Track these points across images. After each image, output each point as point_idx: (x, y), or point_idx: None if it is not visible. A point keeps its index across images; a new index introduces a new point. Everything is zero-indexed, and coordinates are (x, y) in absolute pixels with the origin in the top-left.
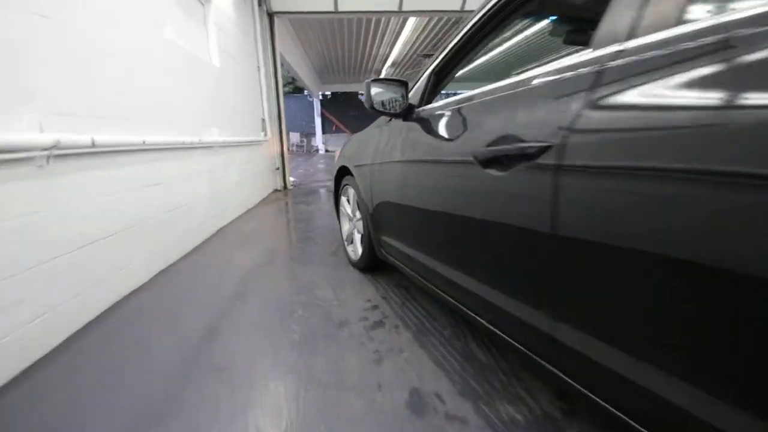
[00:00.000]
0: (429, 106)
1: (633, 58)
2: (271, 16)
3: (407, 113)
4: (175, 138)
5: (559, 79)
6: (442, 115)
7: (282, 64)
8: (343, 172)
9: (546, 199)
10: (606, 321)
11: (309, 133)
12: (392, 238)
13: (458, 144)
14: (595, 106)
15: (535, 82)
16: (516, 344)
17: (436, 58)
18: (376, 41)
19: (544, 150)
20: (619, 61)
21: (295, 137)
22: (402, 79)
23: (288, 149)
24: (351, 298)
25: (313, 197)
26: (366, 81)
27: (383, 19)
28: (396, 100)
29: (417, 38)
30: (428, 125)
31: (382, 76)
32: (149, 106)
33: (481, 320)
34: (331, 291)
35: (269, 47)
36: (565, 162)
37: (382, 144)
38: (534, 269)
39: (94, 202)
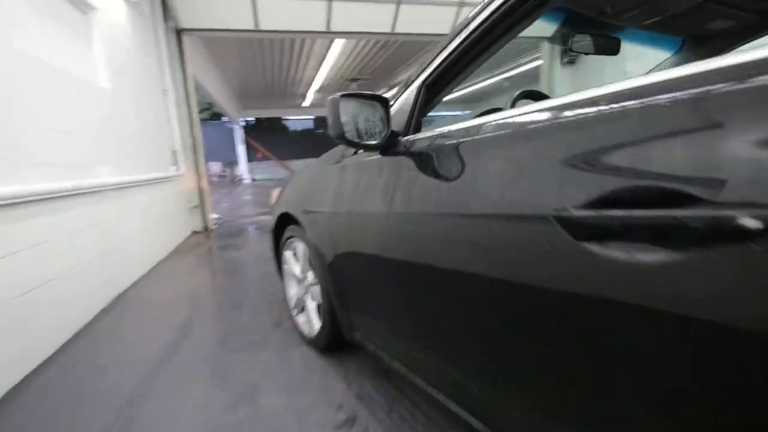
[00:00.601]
0: (424, 134)
1: None
2: (179, 33)
3: (389, 144)
4: (32, 187)
5: None
6: (453, 148)
7: (197, 89)
8: (285, 219)
9: None
10: None
11: (232, 162)
12: (375, 321)
13: (506, 195)
14: None
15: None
16: None
17: (430, 63)
18: (301, 64)
19: None
20: None
21: (216, 167)
22: (380, 95)
23: (208, 181)
24: (314, 405)
25: (242, 238)
26: (331, 98)
27: (308, 40)
28: (374, 126)
29: (344, 62)
30: (429, 162)
31: (308, 101)
32: None
33: None
34: (284, 396)
35: (179, 69)
36: None
37: (348, 185)
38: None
39: None
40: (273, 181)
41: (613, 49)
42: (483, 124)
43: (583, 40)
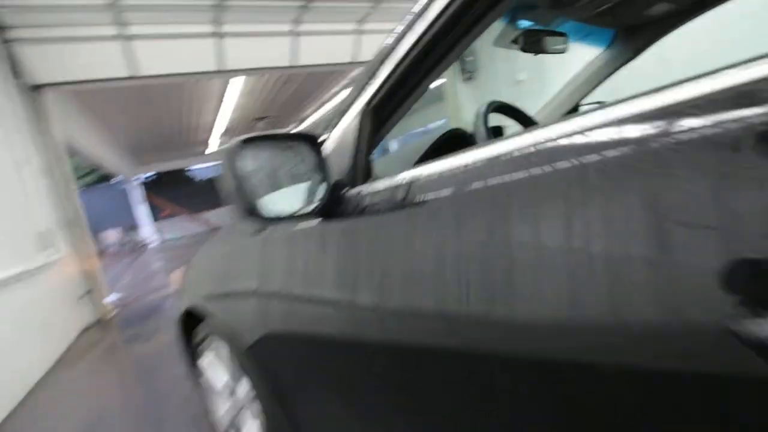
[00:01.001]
0: (384, 182)
1: None
2: (36, 89)
3: (332, 202)
4: None
5: None
6: (455, 202)
7: (73, 153)
8: (194, 316)
9: None
10: None
11: (133, 226)
12: None
13: (605, 289)
14: None
15: None
16: None
17: (373, 77)
18: (196, 108)
19: None
20: None
21: (114, 235)
22: (305, 132)
23: (104, 255)
24: None
25: (153, 321)
26: (225, 148)
27: (201, 82)
28: (302, 179)
29: (247, 101)
30: (413, 227)
31: (213, 147)
32: None
33: None
34: None
35: (39, 133)
36: None
37: (276, 267)
38: None
39: None
40: (185, 238)
41: (563, 46)
42: (495, 158)
43: (534, 38)
